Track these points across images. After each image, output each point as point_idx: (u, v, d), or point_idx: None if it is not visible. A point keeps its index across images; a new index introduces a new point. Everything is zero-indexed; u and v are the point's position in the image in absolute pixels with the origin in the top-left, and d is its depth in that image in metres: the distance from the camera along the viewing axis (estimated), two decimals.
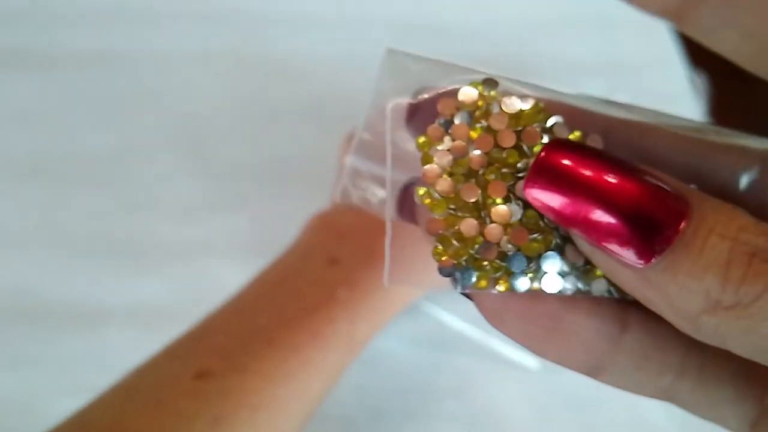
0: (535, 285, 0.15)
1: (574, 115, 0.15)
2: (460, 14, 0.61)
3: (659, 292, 0.12)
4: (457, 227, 0.15)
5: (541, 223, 0.15)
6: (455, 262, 0.15)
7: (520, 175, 0.15)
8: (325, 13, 0.59)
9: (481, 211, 0.15)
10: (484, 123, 0.15)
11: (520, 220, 0.15)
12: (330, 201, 0.40)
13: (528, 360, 0.42)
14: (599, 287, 0.15)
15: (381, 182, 0.20)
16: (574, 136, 0.16)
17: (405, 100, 0.16)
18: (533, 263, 0.15)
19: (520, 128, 0.15)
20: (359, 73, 0.55)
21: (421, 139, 0.16)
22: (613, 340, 0.15)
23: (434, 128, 0.16)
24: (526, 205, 0.15)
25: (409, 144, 0.16)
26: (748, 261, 0.12)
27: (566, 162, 0.13)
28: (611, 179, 0.13)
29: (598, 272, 0.15)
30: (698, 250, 0.12)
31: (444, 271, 0.15)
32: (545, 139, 0.15)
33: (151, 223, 0.47)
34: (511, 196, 0.15)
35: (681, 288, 0.12)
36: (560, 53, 0.59)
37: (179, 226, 0.47)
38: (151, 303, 0.43)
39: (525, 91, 0.16)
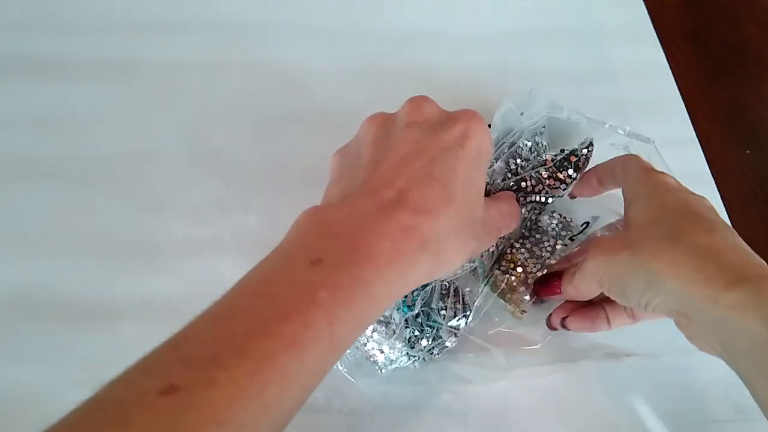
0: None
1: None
2: (460, 25, 0.62)
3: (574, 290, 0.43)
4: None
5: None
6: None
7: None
8: (327, 26, 0.60)
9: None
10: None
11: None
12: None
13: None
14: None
15: None
16: None
17: None
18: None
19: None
20: (359, 81, 0.56)
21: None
22: None
23: None
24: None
25: None
26: (570, 279, 0.43)
27: (540, 284, 0.46)
28: (551, 284, 0.45)
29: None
30: (566, 283, 0.43)
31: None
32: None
33: (163, 223, 0.48)
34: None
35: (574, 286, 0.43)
36: (557, 61, 0.61)
37: (190, 226, 0.48)
38: (162, 299, 0.45)
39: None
